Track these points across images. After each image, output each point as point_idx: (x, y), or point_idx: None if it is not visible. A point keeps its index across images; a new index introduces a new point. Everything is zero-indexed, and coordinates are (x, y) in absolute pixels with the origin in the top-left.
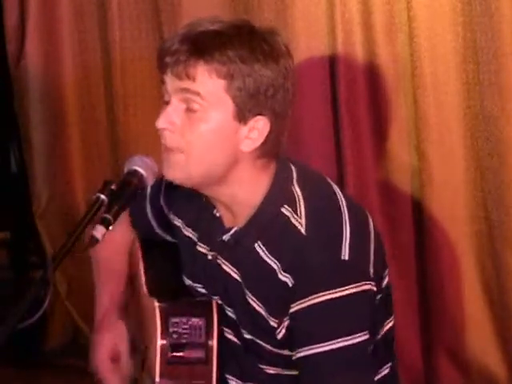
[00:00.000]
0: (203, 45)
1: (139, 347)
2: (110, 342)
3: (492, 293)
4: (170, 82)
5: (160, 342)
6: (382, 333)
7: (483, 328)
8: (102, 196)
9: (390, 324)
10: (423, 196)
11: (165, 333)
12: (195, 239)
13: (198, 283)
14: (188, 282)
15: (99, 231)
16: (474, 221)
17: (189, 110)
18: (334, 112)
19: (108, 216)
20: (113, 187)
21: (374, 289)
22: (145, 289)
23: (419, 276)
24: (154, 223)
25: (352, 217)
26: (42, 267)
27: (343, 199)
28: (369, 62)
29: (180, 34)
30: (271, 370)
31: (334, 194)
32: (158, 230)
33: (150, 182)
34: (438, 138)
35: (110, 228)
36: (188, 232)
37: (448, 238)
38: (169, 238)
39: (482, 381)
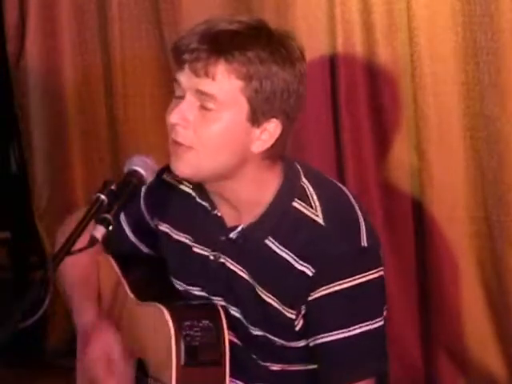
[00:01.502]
0: (224, 44)
1: (131, 356)
2: (102, 347)
3: (492, 293)
4: (186, 77)
5: (174, 345)
6: None
7: (483, 328)
8: (102, 196)
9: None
10: (423, 196)
11: (178, 336)
12: (190, 242)
13: (195, 286)
14: (182, 286)
15: (99, 231)
16: (473, 221)
17: (203, 107)
18: (334, 112)
19: (108, 216)
20: (113, 187)
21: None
22: (132, 296)
23: (419, 276)
24: (129, 234)
25: (359, 205)
26: (42, 267)
27: (346, 190)
28: (369, 62)
29: (198, 31)
30: (275, 367)
31: (339, 186)
32: (134, 240)
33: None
34: (437, 138)
35: (110, 228)
36: (179, 236)
37: (448, 238)
38: (143, 247)
39: (481, 381)
